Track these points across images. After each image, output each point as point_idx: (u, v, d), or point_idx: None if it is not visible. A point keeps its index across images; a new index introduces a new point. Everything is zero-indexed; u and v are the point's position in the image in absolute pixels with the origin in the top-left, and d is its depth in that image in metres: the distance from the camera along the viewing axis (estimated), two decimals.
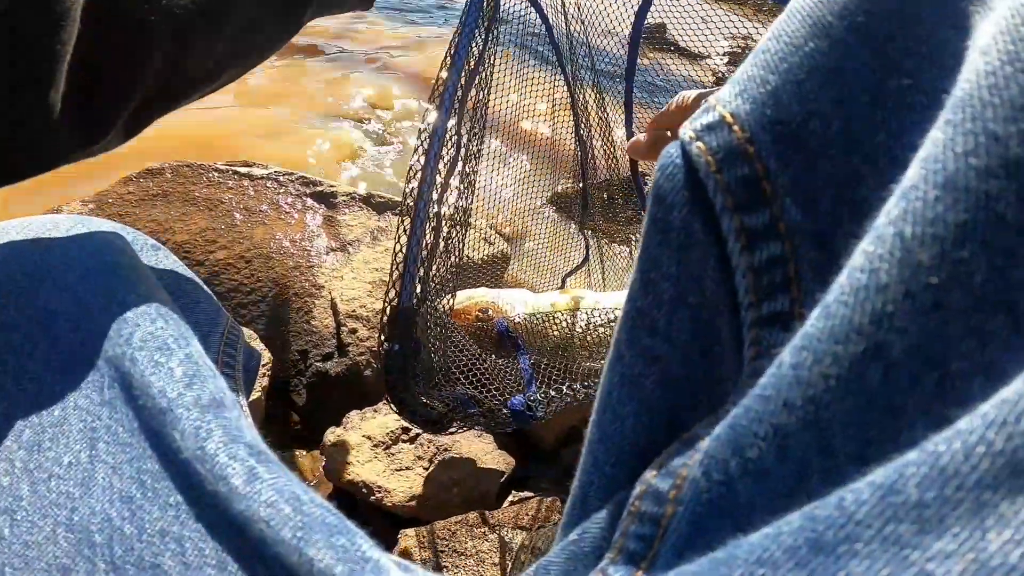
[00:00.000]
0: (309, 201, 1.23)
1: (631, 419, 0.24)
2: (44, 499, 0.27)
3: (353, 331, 0.99)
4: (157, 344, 0.31)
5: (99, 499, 0.27)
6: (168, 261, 0.42)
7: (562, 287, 1.08)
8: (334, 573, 0.23)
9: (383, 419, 0.79)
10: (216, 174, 1.22)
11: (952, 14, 0.21)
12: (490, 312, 0.79)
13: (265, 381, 0.87)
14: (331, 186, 1.24)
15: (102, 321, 0.31)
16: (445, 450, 0.79)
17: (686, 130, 0.24)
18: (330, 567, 0.23)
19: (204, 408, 0.28)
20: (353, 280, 1.05)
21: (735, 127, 0.23)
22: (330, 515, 0.25)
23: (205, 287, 0.42)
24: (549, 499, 0.80)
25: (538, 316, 0.79)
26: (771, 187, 0.22)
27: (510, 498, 0.82)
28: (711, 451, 0.20)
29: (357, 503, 0.75)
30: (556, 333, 0.79)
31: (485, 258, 1.03)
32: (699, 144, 0.23)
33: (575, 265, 1.11)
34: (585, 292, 0.88)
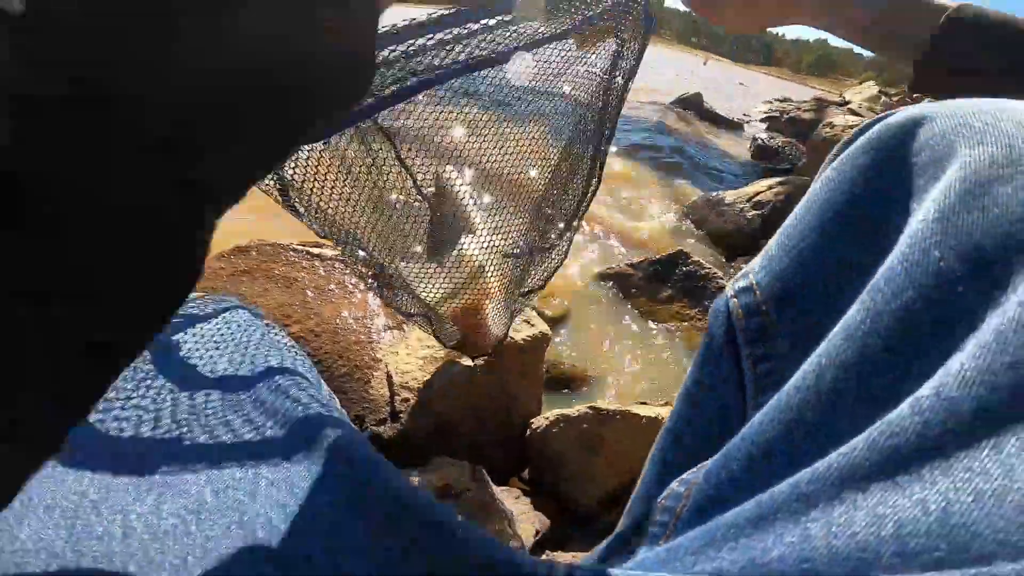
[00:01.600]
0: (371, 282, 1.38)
1: (668, 450, 0.42)
2: (223, 504, 0.35)
3: (405, 400, 1.11)
4: (304, 393, 0.43)
5: (262, 504, 0.35)
6: (281, 334, 0.54)
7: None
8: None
9: (428, 476, 0.89)
10: (292, 254, 1.39)
11: (904, 204, 0.32)
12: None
13: None
14: None
15: (260, 376, 0.44)
16: (485, 507, 0.88)
17: (729, 289, 0.41)
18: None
19: (340, 441, 0.41)
20: (407, 355, 1.18)
21: (757, 292, 0.39)
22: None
23: (305, 356, 0.55)
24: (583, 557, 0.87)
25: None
26: (772, 331, 0.38)
27: (543, 557, 0.89)
28: (710, 467, 0.34)
29: None
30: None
31: (526, 339, 1.14)
32: (734, 300, 0.40)
33: None
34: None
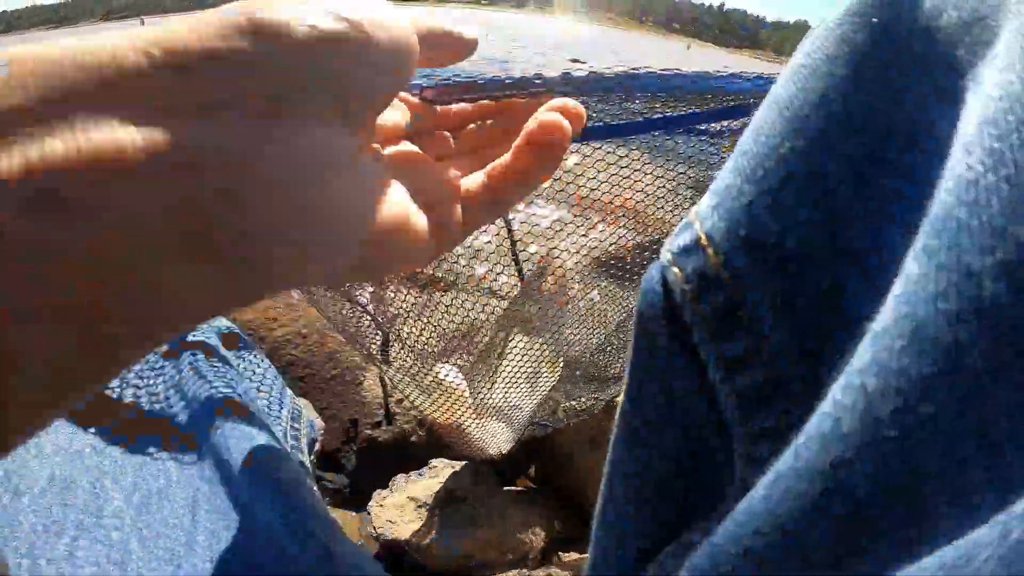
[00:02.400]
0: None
1: (631, 516, 0.25)
2: (152, 554, 0.31)
3: (400, 401, 1.05)
4: (243, 434, 0.36)
5: (200, 557, 0.31)
6: (243, 341, 0.48)
7: None
8: None
9: (427, 481, 0.84)
10: None
11: (940, 88, 0.20)
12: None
13: (316, 446, 0.93)
14: None
15: (200, 408, 0.37)
16: (489, 510, 0.83)
17: (665, 251, 0.23)
18: None
19: (285, 489, 0.35)
20: (400, 352, 1.13)
21: (709, 250, 0.22)
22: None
23: (272, 367, 0.49)
24: None
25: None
26: (749, 314, 0.21)
27: (555, 560, 0.85)
28: (696, 562, 0.20)
29: (403, 562, 0.79)
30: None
31: None
32: (675, 269, 0.22)
33: None
34: None
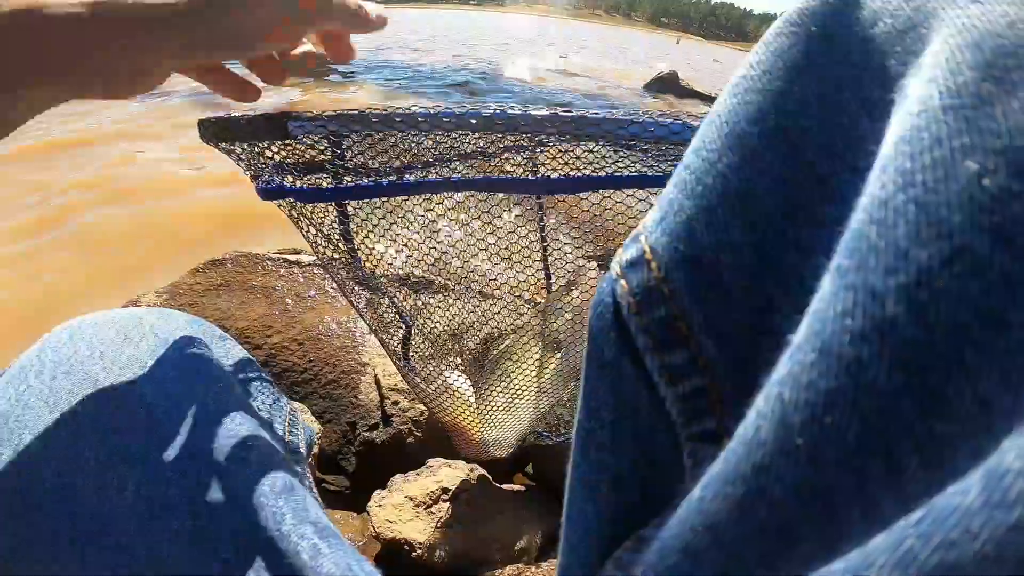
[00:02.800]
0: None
1: (592, 515, 0.26)
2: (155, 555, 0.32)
3: (396, 403, 1.07)
4: (236, 441, 0.37)
5: (203, 564, 0.32)
6: (235, 351, 0.47)
7: None
8: None
9: (425, 481, 0.86)
10: (269, 263, 1.34)
11: (871, 103, 0.19)
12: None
13: (316, 449, 0.95)
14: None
15: (188, 414, 0.37)
16: (486, 507, 0.85)
17: (614, 265, 0.24)
18: None
19: (278, 494, 0.35)
20: (421, 345, 1.14)
21: (652, 264, 0.23)
22: None
23: (265, 374, 0.49)
24: None
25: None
26: (687, 326, 0.22)
27: (553, 557, 0.86)
28: (648, 559, 0.22)
29: (402, 561, 0.81)
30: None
31: None
32: (622, 283, 0.24)
33: None
34: None
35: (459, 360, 0.73)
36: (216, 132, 0.41)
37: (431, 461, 0.91)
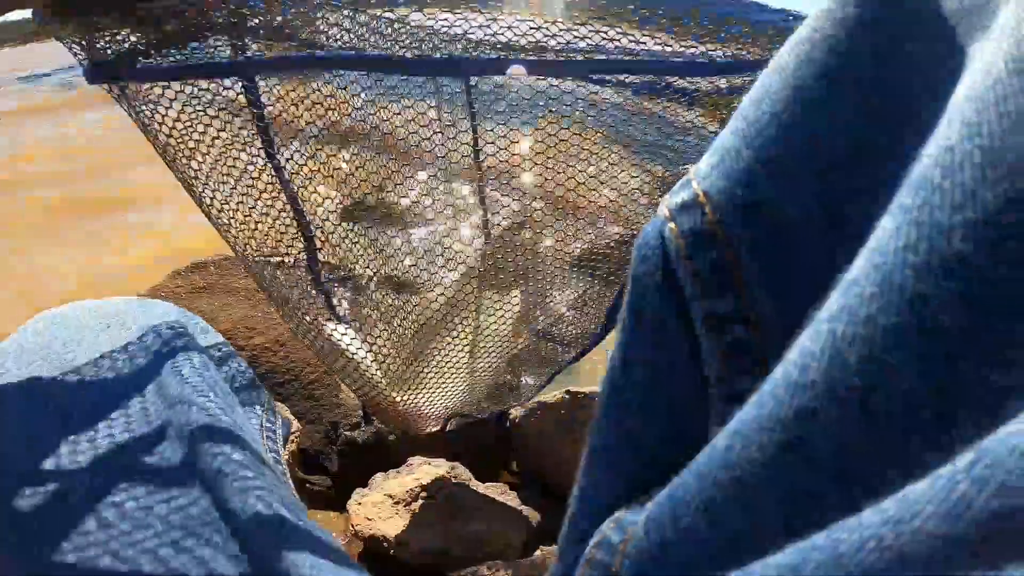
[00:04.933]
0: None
1: (604, 485, 0.25)
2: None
3: None
4: (218, 428, 0.37)
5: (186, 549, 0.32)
6: (216, 341, 0.48)
7: None
8: None
9: (405, 478, 0.86)
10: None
11: (942, 67, 0.19)
12: None
13: (293, 447, 0.96)
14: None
15: (169, 401, 0.37)
16: (467, 505, 0.86)
17: (663, 207, 0.24)
18: None
19: (258, 477, 0.35)
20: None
21: (707, 208, 0.22)
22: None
23: (245, 364, 0.50)
24: None
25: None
26: (741, 275, 0.22)
27: (538, 552, 0.87)
28: (653, 515, 0.20)
29: (383, 557, 0.81)
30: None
31: None
32: (672, 225, 0.23)
33: None
34: None
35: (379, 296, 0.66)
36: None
37: (412, 459, 0.92)
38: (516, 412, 1.03)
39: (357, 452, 1.01)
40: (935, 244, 0.15)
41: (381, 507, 0.81)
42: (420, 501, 0.83)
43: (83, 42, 0.40)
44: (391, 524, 0.80)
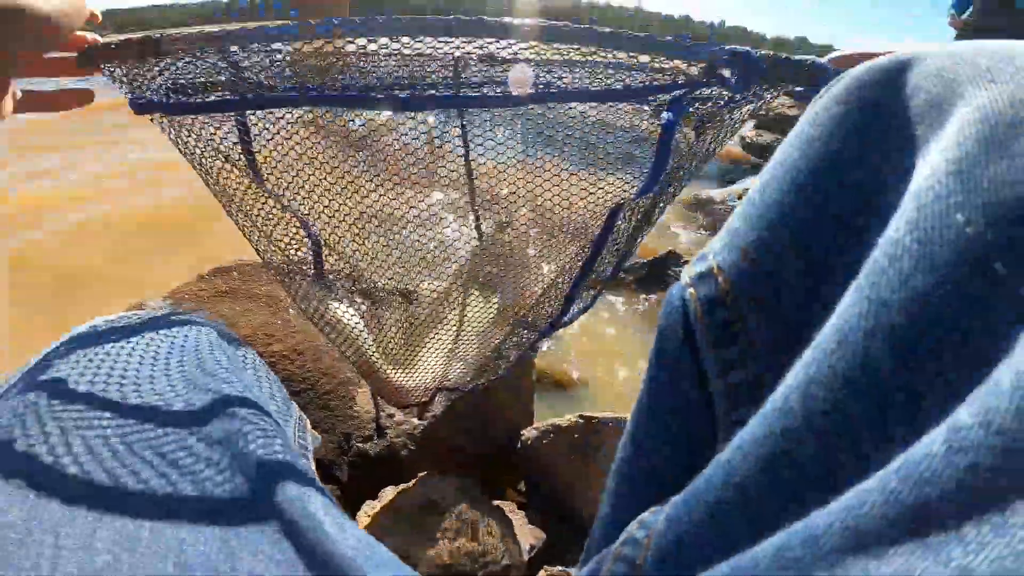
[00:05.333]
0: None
1: (625, 496, 0.32)
2: (160, 544, 0.31)
3: (391, 415, 1.08)
4: (260, 433, 0.37)
5: (204, 551, 0.31)
6: (250, 355, 0.49)
7: None
8: None
9: (414, 493, 0.87)
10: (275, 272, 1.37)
11: (904, 165, 0.24)
12: None
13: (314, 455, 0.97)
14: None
15: (216, 408, 0.38)
16: (474, 522, 0.86)
17: (685, 275, 0.32)
18: None
19: (302, 485, 0.35)
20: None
21: (720, 278, 0.29)
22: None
23: (277, 380, 0.51)
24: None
25: None
26: (743, 327, 0.28)
27: (542, 572, 0.87)
28: (670, 514, 0.26)
29: None
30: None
31: None
32: (691, 291, 0.31)
33: None
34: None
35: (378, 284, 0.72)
36: (93, 55, 0.44)
37: (422, 474, 0.93)
38: (528, 434, 1.04)
39: (368, 464, 1.02)
40: (880, 315, 0.20)
41: (389, 520, 0.82)
42: (430, 516, 0.83)
43: (124, 79, 0.46)
44: (397, 538, 0.80)
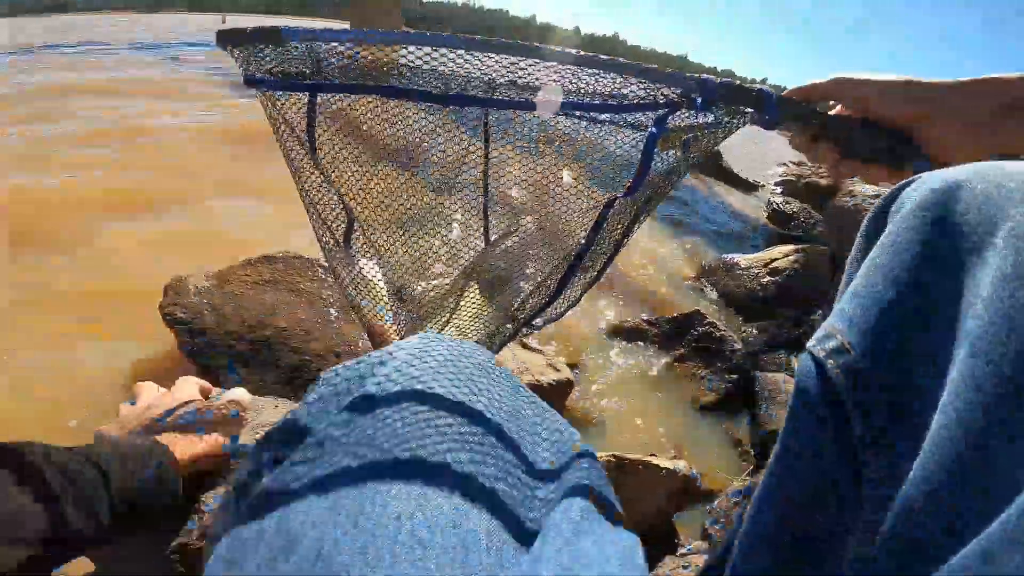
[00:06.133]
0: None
1: (761, 553, 0.36)
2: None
3: None
4: (533, 438, 0.38)
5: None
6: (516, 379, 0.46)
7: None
8: None
9: None
10: (321, 271, 1.36)
11: (964, 267, 0.32)
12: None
13: None
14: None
15: (517, 427, 0.38)
16: None
17: (815, 347, 0.36)
18: None
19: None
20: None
21: (852, 353, 0.35)
22: None
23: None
24: None
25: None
26: (882, 395, 0.33)
27: None
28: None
29: None
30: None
31: (552, 383, 1.12)
32: (831, 361, 0.35)
33: None
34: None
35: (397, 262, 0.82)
36: (227, 37, 0.59)
37: None
38: None
39: None
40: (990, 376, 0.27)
41: None
42: None
43: (243, 60, 0.61)
44: None
